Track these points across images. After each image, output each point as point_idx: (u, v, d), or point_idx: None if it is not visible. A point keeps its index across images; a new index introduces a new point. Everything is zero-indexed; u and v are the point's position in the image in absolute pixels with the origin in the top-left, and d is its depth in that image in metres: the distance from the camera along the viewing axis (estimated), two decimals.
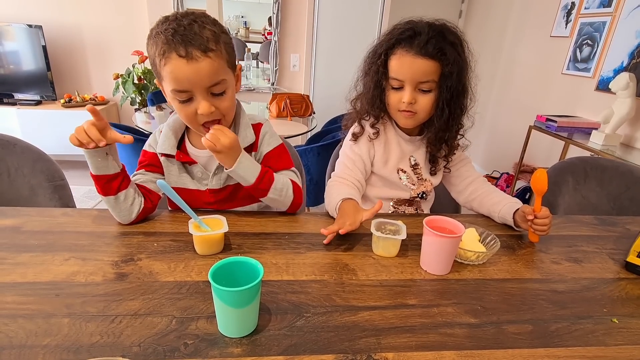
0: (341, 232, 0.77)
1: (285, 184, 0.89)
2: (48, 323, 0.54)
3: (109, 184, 0.78)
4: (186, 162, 0.90)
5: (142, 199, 0.84)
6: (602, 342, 0.59)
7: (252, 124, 0.93)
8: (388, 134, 1.04)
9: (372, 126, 1.02)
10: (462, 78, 0.91)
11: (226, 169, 0.83)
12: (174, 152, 0.88)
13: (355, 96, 1.04)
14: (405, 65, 0.90)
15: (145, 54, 2.82)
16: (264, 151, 0.94)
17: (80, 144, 0.74)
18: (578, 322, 0.63)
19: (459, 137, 1.02)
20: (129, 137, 0.76)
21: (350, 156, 1.02)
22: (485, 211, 1.01)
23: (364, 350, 0.54)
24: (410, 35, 0.88)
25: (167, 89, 0.78)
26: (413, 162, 1.05)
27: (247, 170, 0.83)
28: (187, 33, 0.73)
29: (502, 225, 0.97)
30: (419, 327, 0.59)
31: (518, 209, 0.91)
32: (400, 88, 0.93)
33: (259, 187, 0.85)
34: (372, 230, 0.77)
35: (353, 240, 0.84)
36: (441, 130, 0.97)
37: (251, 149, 0.93)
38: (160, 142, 0.89)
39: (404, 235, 0.77)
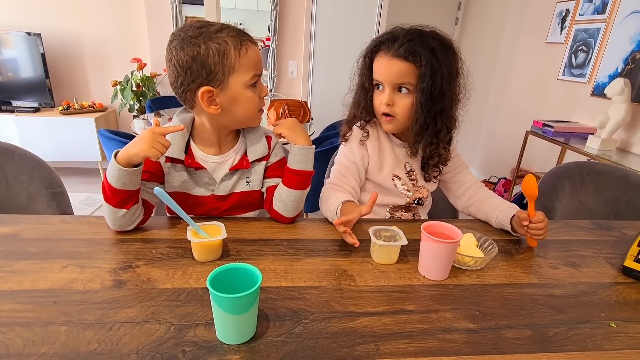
0: (335, 222, 0.79)
1: None
2: (45, 331, 0.54)
3: (128, 199, 0.78)
4: (193, 167, 0.90)
5: (143, 209, 0.84)
6: (600, 346, 0.59)
7: (265, 135, 0.96)
8: (382, 141, 1.05)
9: (362, 128, 1.03)
10: (438, 81, 0.89)
11: (306, 146, 0.89)
12: (182, 156, 0.87)
13: (350, 101, 1.06)
14: (382, 67, 0.93)
15: (145, 61, 2.85)
16: (271, 161, 0.96)
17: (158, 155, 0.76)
18: (576, 326, 0.63)
19: (436, 141, 0.97)
20: (182, 126, 0.83)
21: (344, 163, 1.03)
22: (483, 216, 1.01)
23: (362, 356, 0.54)
24: (389, 39, 0.92)
25: (245, 77, 0.81)
26: (408, 169, 1.06)
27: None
28: (237, 27, 0.82)
29: (499, 231, 0.97)
30: (417, 333, 0.59)
31: (515, 214, 0.91)
32: (382, 90, 0.96)
33: (311, 174, 0.91)
34: (372, 238, 0.77)
35: (351, 246, 0.83)
36: (418, 134, 0.97)
37: (263, 158, 0.95)
38: None
39: (404, 241, 0.78)
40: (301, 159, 0.89)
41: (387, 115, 0.96)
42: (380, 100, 0.95)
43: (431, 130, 0.95)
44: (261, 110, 0.90)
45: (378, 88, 0.97)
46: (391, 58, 0.91)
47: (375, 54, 0.95)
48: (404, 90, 0.93)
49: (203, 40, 0.76)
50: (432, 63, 0.89)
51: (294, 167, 0.89)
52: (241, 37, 0.80)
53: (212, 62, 0.77)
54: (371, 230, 0.80)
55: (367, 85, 0.99)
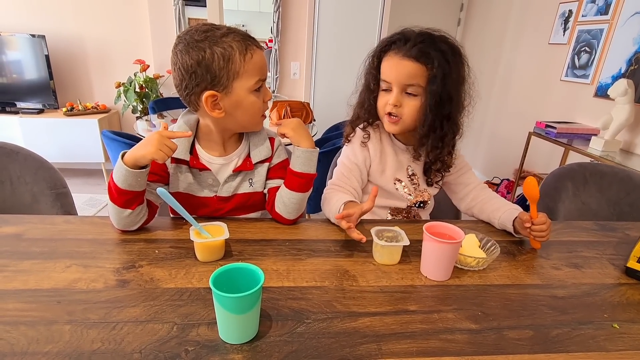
0: (336, 217, 0.80)
1: None
2: (49, 330, 0.54)
3: (134, 199, 0.78)
4: (197, 169, 0.90)
5: (147, 210, 0.85)
6: (603, 347, 0.59)
7: (268, 137, 0.97)
8: (384, 144, 1.04)
9: (364, 129, 1.03)
10: (448, 85, 0.90)
11: (310, 149, 0.89)
12: (187, 157, 0.88)
13: (355, 102, 1.05)
14: (392, 67, 0.92)
15: (148, 62, 2.86)
16: (274, 162, 0.96)
17: (165, 157, 0.78)
18: (579, 327, 0.63)
19: (441, 145, 0.97)
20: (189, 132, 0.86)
21: (346, 164, 1.03)
22: (486, 218, 1.01)
23: (364, 356, 0.54)
24: (399, 39, 0.92)
25: (249, 82, 0.81)
26: (410, 173, 1.06)
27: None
28: (243, 31, 0.81)
29: (502, 231, 0.97)
30: (419, 333, 0.59)
31: (518, 216, 0.91)
32: (389, 91, 0.95)
33: (314, 177, 0.91)
34: (374, 239, 0.77)
35: (353, 246, 0.84)
36: (424, 137, 0.96)
37: (266, 160, 0.95)
38: None
39: (406, 242, 0.78)
40: (304, 161, 0.89)
41: (392, 115, 0.95)
42: (386, 100, 0.95)
43: (438, 134, 0.95)
44: (264, 115, 0.90)
45: (384, 89, 0.96)
46: (402, 58, 0.90)
47: (384, 54, 0.94)
48: (411, 91, 0.92)
49: (208, 44, 0.76)
50: (444, 66, 0.88)
51: (297, 170, 0.89)
52: (247, 41, 0.80)
53: (217, 67, 0.77)
54: (373, 230, 0.80)
55: (372, 85, 0.98)
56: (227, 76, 0.79)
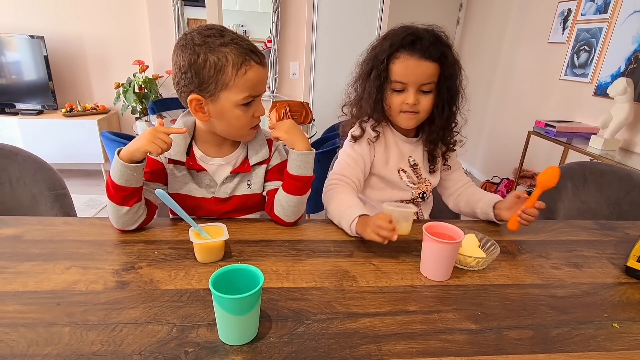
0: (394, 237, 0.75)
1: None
2: (49, 332, 0.54)
3: (130, 196, 0.79)
4: (194, 169, 0.90)
5: (146, 209, 0.85)
6: (603, 347, 0.59)
7: (266, 139, 0.96)
8: (386, 136, 1.06)
9: (373, 129, 1.03)
10: (458, 78, 0.97)
11: (305, 152, 0.87)
12: (183, 158, 0.88)
13: (351, 101, 1.05)
14: (410, 69, 0.93)
15: (147, 63, 2.86)
16: (272, 164, 0.96)
17: (160, 151, 0.78)
18: (579, 327, 0.63)
19: (454, 134, 1.07)
20: (185, 129, 0.86)
21: (351, 155, 1.03)
22: (470, 210, 1.05)
23: (364, 357, 0.54)
24: (413, 40, 0.92)
25: (237, 97, 0.80)
26: (412, 162, 1.08)
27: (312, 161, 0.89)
28: (249, 43, 0.80)
29: (501, 231, 0.97)
30: (419, 334, 0.59)
31: (498, 202, 0.97)
32: (402, 90, 0.96)
33: (311, 179, 0.90)
34: (384, 205, 0.80)
35: (353, 247, 0.84)
36: (442, 129, 1.02)
37: (264, 161, 0.95)
38: None
39: (414, 208, 0.81)
40: (300, 164, 0.87)
41: (409, 112, 0.97)
42: (401, 100, 0.96)
43: (453, 121, 1.03)
44: (255, 127, 0.89)
45: (398, 89, 0.96)
46: (419, 60, 0.91)
47: (394, 55, 0.94)
48: (426, 89, 0.95)
49: (204, 50, 0.76)
50: (454, 62, 0.94)
51: (293, 173, 0.88)
52: (246, 56, 0.78)
53: (207, 74, 0.77)
54: (385, 204, 0.84)
55: (384, 86, 0.97)
56: (215, 85, 0.78)
